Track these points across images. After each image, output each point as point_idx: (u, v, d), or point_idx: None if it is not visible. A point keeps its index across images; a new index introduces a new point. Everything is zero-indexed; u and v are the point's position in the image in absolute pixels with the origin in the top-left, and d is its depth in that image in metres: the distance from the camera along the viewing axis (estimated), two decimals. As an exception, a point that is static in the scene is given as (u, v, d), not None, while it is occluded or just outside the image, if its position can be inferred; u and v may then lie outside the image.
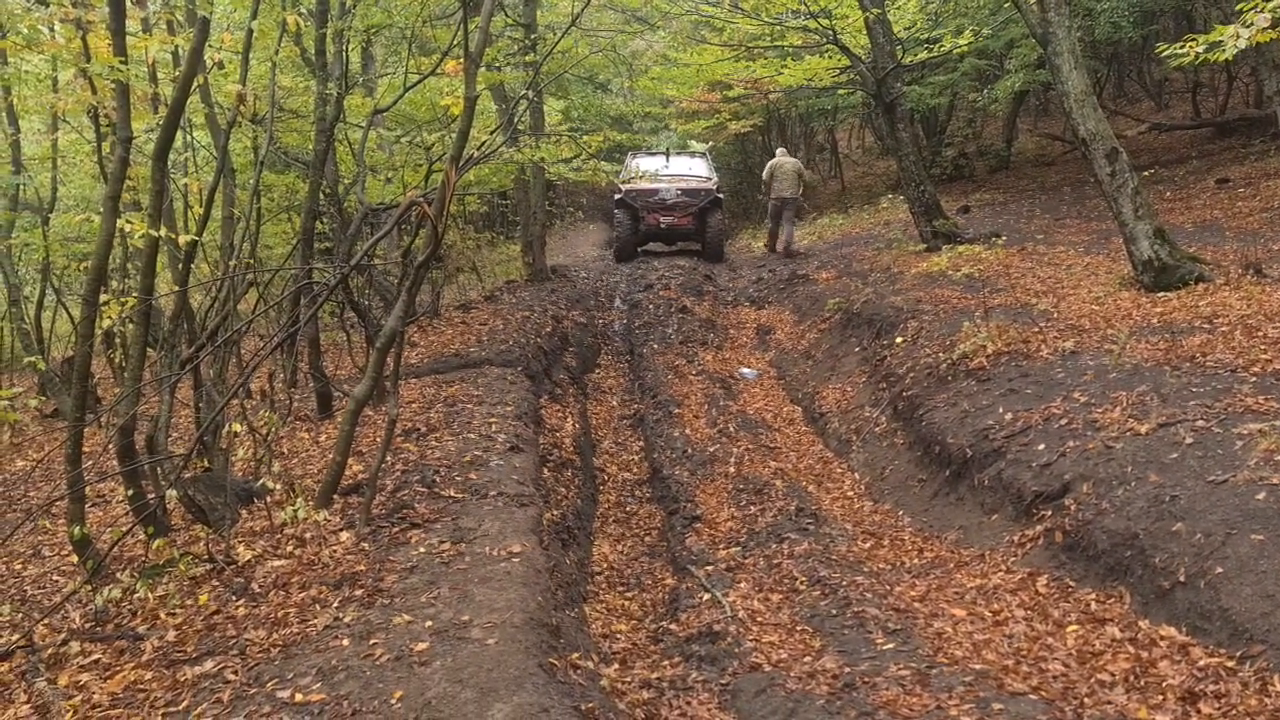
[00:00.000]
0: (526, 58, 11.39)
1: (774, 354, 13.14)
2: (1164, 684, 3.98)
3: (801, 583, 6.00)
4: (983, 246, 12.25)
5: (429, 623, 4.33)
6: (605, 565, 7.53)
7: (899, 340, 10.09)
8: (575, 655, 4.46)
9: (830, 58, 15.40)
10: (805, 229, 21.51)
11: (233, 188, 8.44)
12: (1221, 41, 6.04)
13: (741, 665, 4.91)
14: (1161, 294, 9.19)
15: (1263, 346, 7.01)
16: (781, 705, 4.31)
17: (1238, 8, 6.29)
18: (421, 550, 5.21)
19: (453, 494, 5.99)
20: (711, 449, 9.26)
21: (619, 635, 6.03)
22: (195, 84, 5.69)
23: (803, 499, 7.75)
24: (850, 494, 8.26)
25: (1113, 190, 9.61)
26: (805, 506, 7.52)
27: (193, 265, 6.76)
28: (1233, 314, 8.02)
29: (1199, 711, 3.73)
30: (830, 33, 12.89)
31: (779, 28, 14.72)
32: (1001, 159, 22.57)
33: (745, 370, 12.38)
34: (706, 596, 6.04)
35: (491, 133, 9.55)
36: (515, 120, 11.36)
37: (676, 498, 8.31)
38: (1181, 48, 6.46)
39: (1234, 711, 3.66)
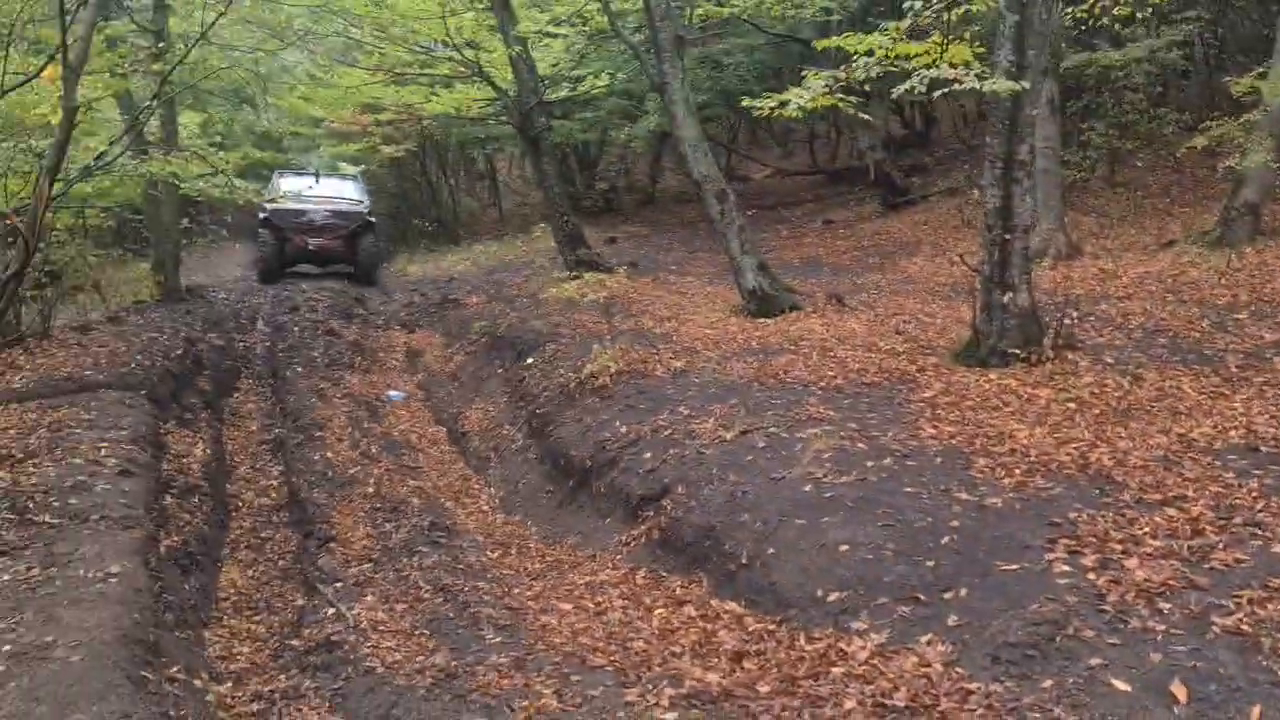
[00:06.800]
0: (154, 66, 10.84)
1: (422, 376, 13.29)
2: (721, 649, 4.63)
3: (426, 592, 6.23)
4: (616, 275, 13.13)
5: (7, 647, 4.14)
6: (233, 591, 7.34)
7: (531, 362, 10.65)
8: (175, 669, 4.41)
9: (480, 88, 15.86)
10: (462, 254, 21.86)
11: None
12: (789, 101, 7.06)
13: (356, 670, 5.06)
14: (763, 320, 10.40)
15: (831, 365, 8.20)
16: (386, 700, 4.54)
17: (803, 73, 7.39)
18: (6, 578, 4.90)
19: (48, 519, 5.65)
20: (352, 471, 9.26)
21: (239, 656, 5.95)
22: None
23: (438, 515, 7.99)
24: (486, 508, 8.62)
25: (723, 227, 10.77)
26: (440, 521, 7.76)
27: None
28: (814, 338, 9.27)
29: (743, 668, 4.40)
30: (475, 65, 13.35)
31: (428, 56, 15.00)
32: (647, 195, 24.21)
33: (392, 393, 12.43)
34: (332, 611, 6.11)
35: (112, 143, 9.00)
36: (138, 131, 10.75)
37: (313, 520, 8.24)
38: (758, 103, 7.47)
39: (769, 663, 4.35)
